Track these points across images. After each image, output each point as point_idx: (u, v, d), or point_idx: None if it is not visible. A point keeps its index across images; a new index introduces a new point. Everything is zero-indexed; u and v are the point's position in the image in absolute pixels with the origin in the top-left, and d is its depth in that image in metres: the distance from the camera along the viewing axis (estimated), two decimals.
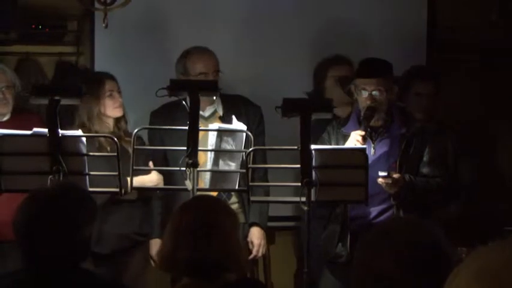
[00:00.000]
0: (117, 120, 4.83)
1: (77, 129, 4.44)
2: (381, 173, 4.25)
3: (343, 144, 4.43)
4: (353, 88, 4.55)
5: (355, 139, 4.35)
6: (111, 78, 4.83)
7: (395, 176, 4.35)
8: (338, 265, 4.56)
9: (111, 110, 4.78)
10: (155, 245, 4.78)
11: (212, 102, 4.82)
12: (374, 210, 4.53)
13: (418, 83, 5.14)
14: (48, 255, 2.76)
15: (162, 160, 4.79)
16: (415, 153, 4.53)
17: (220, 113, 4.87)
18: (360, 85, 4.50)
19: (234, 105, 4.82)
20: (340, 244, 4.55)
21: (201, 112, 4.73)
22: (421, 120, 5.13)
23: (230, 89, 5.00)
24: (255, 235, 4.96)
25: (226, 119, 4.71)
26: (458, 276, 1.73)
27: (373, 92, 4.46)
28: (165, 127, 4.71)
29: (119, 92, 4.82)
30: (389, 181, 4.32)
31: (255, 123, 4.85)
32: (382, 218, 4.53)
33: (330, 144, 4.54)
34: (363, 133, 4.36)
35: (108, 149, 4.62)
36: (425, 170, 4.54)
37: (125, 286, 3.05)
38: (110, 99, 4.77)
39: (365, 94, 4.46)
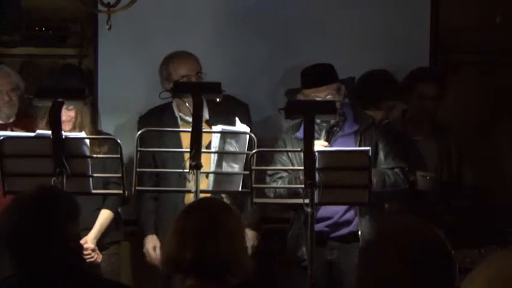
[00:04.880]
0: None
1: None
2: None
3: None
4: (301, 97, 4.60)
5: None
6: None
7: None
8: (302, 268, 4.47)
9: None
10: (151, 241, 4.87)
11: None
12: (339, 210, 4.58)
13: (422, 85, 5.13)
14: (38, 259, 2.76)
15: (151, 162, 4.79)
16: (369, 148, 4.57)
17: (206, 116, 4.84)
18: (310, 94, 4.54)
19: (220, 106, 4.78)
20: (303, 248, 4.55)
21: (187, 117, 4.73)
22: (423, 123, 5.15)
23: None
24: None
25: (212, 122, 4.65)
26: (473, 282, 1.73)
27: (328, 97, 4.49)
28: (168, 129, 4.72)
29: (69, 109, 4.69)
30: None
31: (244, 122, 4.85)
32: (346, 216, 4.58)
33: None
34: (326, 143, 4.41)
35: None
36: (384, 164, 4.57)
37: (124, 285, 3.05)
38: None
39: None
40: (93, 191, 4.20)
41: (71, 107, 4.67)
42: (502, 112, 5.77)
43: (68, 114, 4.70)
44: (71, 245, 2.82)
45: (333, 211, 4.58)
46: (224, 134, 4.28)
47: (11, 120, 4.89)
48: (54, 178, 3.96)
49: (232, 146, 4.29)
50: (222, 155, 4.28)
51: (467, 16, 5.76)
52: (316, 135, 4.52)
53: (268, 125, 5.24)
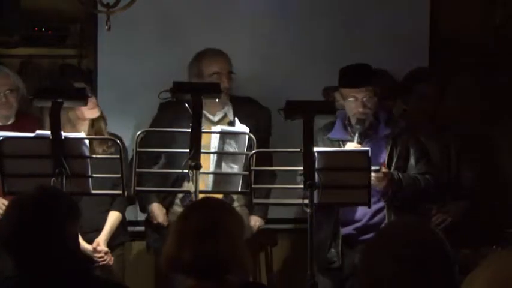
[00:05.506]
0: (93, 122, 4.72)
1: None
2: (373, 167, 4.21)
3: None
4: (338, 96, 4.58)
5: None
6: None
7: (384, 170, 4.39)
8: (331, 270, 4.57)
9: (87, 112, 4.67)
10: (157, 208, 4.90)
11: (223, 107, 4.82)
12: (368, 213, 4.55)
13: (421, 85, 5.13)
14: (38, 259, 2.76)
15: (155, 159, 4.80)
16: (401, 152, 4.56)
17: (231, 117, 4.85)
18: (348, 94, 4.51)
19: (243, 108, 4.81)
20: (332, 250, 4.55)
21: (210, 116, 4.79)
22: (423, 123, 5.14)
23: (240, 90, 5.05)
24: (253, 218, 5.01)
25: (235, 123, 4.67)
26: (473, 282, 1.73)
27: (364, 99, 4.48)
28: (166, 129, 4.69)
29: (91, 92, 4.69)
30: (380, 175, 4.34)
31: (264, 126, 4.85)
32: (375, 219, 4.56)
33: None
34: (358, 146, 4.41)
35: (100, 150, 4.63)
36: (414, 169, 4.57)
37: (125, 286, 3.05)
38: None
39: (355, 102, 4.49)
40: (93, 192, 4.19)
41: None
42: (502, 112, 5.77)
43: (93, 101, 4.64)
44: (70, 245, 2.82)
45: (361, 214, 4.56)
46: (223, 135, 4.28)
47: (10, 122, 4.88)
48: (53, 179, 3.96)
49: (231, 147, 4.29)
50: (221, 155, 4.28)
51: (467, 17, 5.76)
52: (349, 137, 4.52)
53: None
